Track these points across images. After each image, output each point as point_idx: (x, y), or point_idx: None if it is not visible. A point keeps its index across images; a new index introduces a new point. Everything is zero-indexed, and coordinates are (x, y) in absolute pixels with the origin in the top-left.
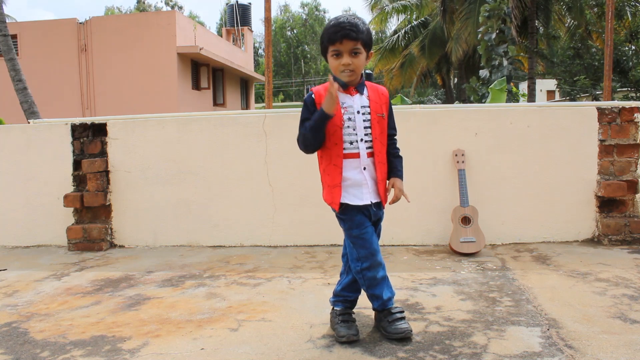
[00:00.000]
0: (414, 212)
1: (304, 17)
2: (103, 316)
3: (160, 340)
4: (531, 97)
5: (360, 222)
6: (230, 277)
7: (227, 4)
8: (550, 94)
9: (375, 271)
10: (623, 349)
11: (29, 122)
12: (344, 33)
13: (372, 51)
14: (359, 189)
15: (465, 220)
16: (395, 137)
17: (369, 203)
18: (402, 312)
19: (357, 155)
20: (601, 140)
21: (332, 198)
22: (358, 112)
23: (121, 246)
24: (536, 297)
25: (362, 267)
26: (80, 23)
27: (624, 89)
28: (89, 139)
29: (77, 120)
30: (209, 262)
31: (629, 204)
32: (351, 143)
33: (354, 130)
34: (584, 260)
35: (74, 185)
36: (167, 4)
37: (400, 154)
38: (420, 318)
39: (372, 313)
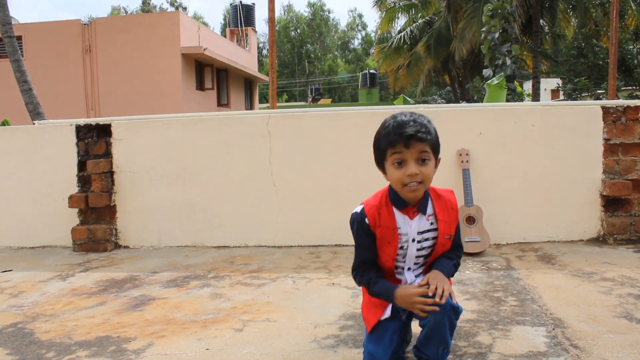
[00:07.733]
0: None
1: (310, 17)
2: (108, 317)
3: (165, 340)
4: (536, 96)
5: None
6: (235, 278)
7: (230, 4)
8: (554, 93)
9: None
10: (629, 348)
11: (34, 123)
12: (410, 134)
13: (440, 157)
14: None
15: (470, 220)
16: (461, 250)
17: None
18: None
19: (399, 282)
20: (606, 139)
21: (366, 315)
22: (413, 240)
23: (126, 247)
24: (541, 297)
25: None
26: (84, 24)
27: (628, 87)
28: (94, 140)
29: (82, 121)
30: (213, 262)
31: (634, 203)
32: (396, 269)
33: (403, 258)
34: (589, 259)
35: (78, 186)
36: (172, 4)
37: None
38: None
39: None
